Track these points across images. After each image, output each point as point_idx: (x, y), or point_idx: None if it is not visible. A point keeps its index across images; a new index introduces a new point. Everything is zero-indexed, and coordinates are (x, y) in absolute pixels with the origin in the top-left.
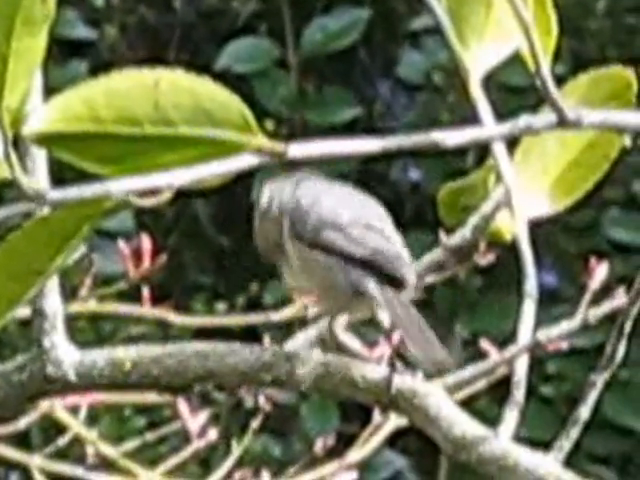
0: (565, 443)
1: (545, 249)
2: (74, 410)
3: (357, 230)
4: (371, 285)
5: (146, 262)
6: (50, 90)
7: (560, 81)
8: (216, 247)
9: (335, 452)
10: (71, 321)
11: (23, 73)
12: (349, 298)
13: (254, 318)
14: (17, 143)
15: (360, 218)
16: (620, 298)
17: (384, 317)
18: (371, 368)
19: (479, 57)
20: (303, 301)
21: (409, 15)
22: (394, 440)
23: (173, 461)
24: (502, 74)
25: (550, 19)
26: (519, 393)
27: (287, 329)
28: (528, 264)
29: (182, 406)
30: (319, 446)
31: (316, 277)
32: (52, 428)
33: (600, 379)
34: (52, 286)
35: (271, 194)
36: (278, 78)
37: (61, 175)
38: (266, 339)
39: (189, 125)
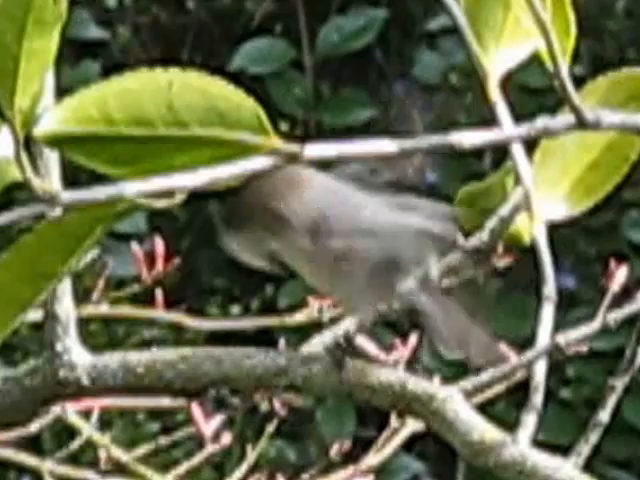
0: (584, 448)
1: (564, 251)
2: (87, 414)
3: None
4: None
5: (159, 265)
6: (62, 91)
7: (579, 82)
8: None
9: (351, 457)
10: (84, 324)
11: (35, 73)
12: None
13: (269, 321)
14: (29, 144)
15: None
16: None
17: None
18: (387, 372)
19: (497, 58)
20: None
21: (426, 15)
22: (411, 445)
23: (187, 466)
24: (520, 75)
25: (569, 19)
26: (538, 397)
27: (302, 333)
28: (547, 267)
29: (196, 410)
30: (335, 451)
31: None
32: (64, 432)
33: (620, 383)
34: (65, 289)
35: None
36: (293, 79)
37: (75, 177)
38: (281, 343)
39: (203, 126)
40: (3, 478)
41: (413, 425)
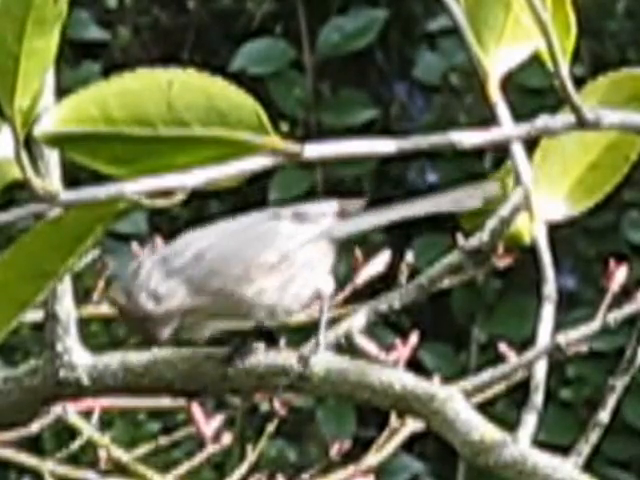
0: (584, 447)
1: (564, 252)
2: (87, 414)
3: None
4: None
5: None
6: (62, 91)
7: (579, 82)
8: None
9: (351, 456)
10: (84, 325)
11: (35, 73)
12: None
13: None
14: (29, 144)
15: None
16: None
17: None
18: (388, 372)
19: (497, 59)
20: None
21: (426, 16)
22: (411, 444)
23: (187, 466)
24: (521, 75)
25: (569, 20)
26: (538, 397)
27: (303, 332)
28: (547, 267)
29: (196, 410)
30: (335, 450)
31: None
32: (64, 432)
33: (620, 383)
34: (65, 289)
35: None
36: (293, 79)
37: (75, 177)
38: (282, 342)
39: (203, 126)
40: (4, 478)
41: (413, 425)
